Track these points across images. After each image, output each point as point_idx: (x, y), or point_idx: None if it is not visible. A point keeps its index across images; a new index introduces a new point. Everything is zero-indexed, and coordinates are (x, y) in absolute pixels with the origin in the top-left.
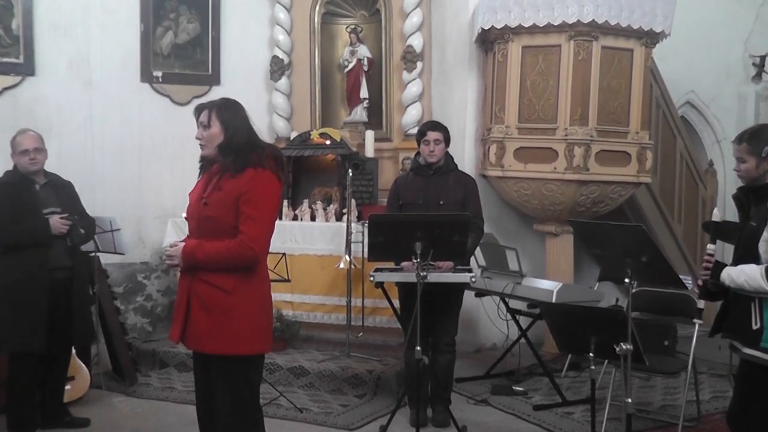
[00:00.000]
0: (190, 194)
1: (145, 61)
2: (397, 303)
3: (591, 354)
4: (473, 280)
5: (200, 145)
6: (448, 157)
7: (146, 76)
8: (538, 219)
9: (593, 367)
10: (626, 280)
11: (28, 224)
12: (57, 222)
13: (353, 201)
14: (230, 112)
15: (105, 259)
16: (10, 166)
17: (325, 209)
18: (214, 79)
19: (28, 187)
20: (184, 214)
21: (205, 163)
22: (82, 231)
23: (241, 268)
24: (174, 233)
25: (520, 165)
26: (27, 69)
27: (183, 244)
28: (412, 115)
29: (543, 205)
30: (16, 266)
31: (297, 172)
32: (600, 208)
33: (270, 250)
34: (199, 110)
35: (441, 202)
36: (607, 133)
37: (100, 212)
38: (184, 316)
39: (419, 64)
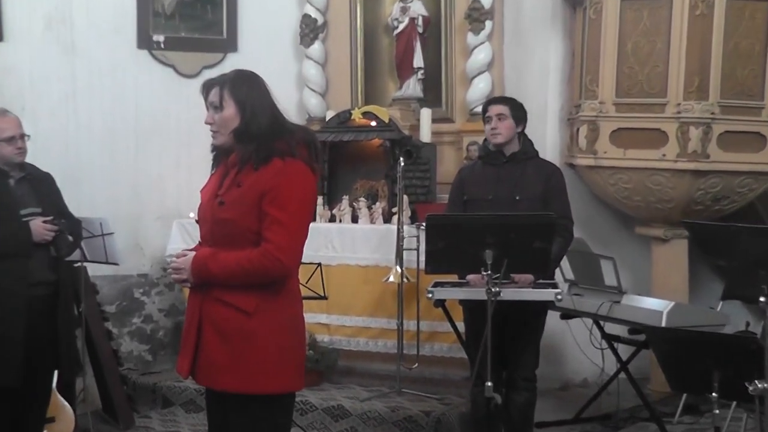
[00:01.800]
0: (201, 192)
1: (142, 21)
2: (461, 326)
3: (714, 394)
4: (559, 298)
5: (211, 131)
6: (527, 142)
7: (144, 41)
8: (641, 220)
9: (717, 411)
10: (761, 299)
11: (3, 230)
12: (40, 227)
13: (405, 198)
14: (247, 87)
15: (93, 270)
16: None
17: (369, 208)
18: (230, 45)
19: (1, 182)
20: (194, 215)
21: (219, 153)
22: (70, 237)
23: (266, 283)
24: (180, 238)
25: (618, 151)
26: None
27: (193, 253)
28: (480, 88)
29: (648, 203)
30: None
31: (334, 162)
32: (724, 206)
33: (302, 260)
34: (207, 87)
35: (517, 198)
36: (733, 110)
37: (86, 212)
38: (195, 344)
39: (488, 24)
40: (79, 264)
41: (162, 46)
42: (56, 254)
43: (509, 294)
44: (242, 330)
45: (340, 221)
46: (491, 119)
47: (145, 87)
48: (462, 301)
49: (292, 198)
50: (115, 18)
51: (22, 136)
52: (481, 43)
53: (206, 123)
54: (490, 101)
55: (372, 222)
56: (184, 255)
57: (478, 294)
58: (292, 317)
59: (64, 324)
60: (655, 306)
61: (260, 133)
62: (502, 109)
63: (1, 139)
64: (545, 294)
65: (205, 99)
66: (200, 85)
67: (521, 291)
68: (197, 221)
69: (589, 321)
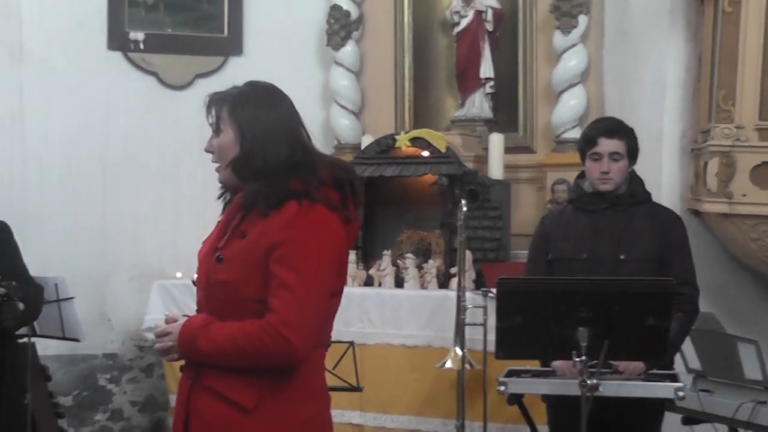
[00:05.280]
0: (203, 243)
1: (115, 14)
2: (545, 431)
3: None
4: (680, 395)
5: (214, 163)
6: (635, 181)
7: (117, 41)
8: None
9: None
10: None
11: None
12: None
13: (469, 255)
14: (253, 106)
15: (44, 348)
16: None
17: (419, 268)
18: (233, 46)
19: None
20: (181, 275)
21: (229, 193)
22: (21, 305)
23: (270, 369)
24: (162, 306)
25: (762, 194)
26: None
27: (184, 319)
28: (570, 107)
29: None
30: None
31: (372, 206)
32: None
33: (330, 339)
34: (210, 104)
35: (622, 258)
36: None
37: (38, 270)
38: None
39: (583, 21)
40: (24, 340)
41: (141, 46)
42: None
43: (611, 389)
44: None
45: (380, 285)
46: (601, 158)
47: (117, 102)
48: (545, 397)
49: (307, 255)
50: (78, 10)
51: None
52: (573, 46)
53: (206, 151)
54: (601, 130)
55: (422, 287)
56: (174, 319)
57: (568, 388)
58: (309, 420)
59: (9, 420)
60: None
61: (265, 168)
62: (618, 146)
63: None
64: (661, 389)
65: (207, 119)
66: (195, 96)
67: (628, 385)
68: (195, 283)
69: (724, 428)
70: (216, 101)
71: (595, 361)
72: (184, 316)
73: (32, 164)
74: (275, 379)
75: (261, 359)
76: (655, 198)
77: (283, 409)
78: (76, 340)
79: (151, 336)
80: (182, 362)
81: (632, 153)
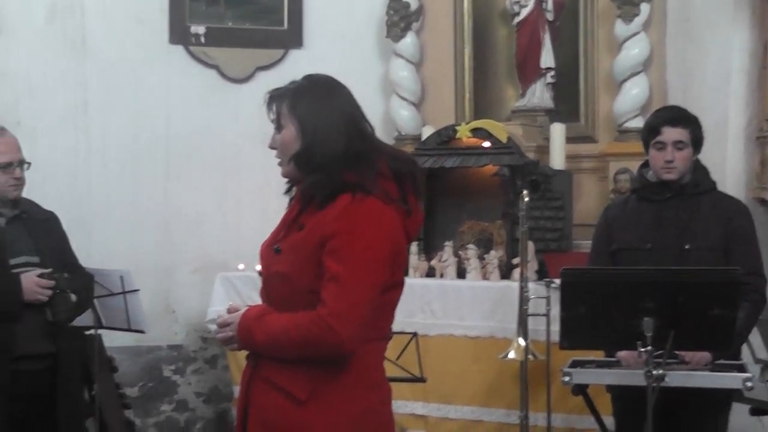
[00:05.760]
0: (269, 236)
1: (176, 8)
2: (609, 422)
3: None
4: (749, 385)
5: (277, 158)
6: (700, 170)
7: (179, 34)
8: None
9: None
10: None
11: None
12: (32, 282)
13: (531, 245)
14: (312, 100)
15: (110, 340)
16: None
17: (481, 259)
18: (293, 39)
19: None
20: (243, 267)
21: (295, 187)
22: (74, 297)
23: (321, 360)
24: (226, 298)
25: None
26: None
27: (245, 309)
28: (632, 96)
29: None
30: None
31: (433, 197)
32: None
33: (393, 330)
34: (270, 101)
35: (687, 248)
36: None
37: (101, 262)
38: None
39: (645, 8)
40: (92, 332)
41: (202, 40)
42: (53, 319)
43: (677, 379)
44: (291, 425)
45: (441, 276)
46: (665, 147)
47: (179, 95)
48: (610, 388)
49: (357, 247)
50: (140, 4)
51: (21, 162)
52: (635, 34)
53: (269, 148)
54: (665, 119)
55: (485, 277)
56: (236, 309)
57: (633, 378)
58: (365, 412)
59: (67, 411)
60: None
61: (325, 161)
62: (681, 134)
63: None
64: (729, 380)
65: (268, 115)
66: (255, 89)
67: (694, 375)
68: (261, 274)
69: None
70: (276, 98)
71: (660, 352)
72: (247, 306)
73: (96, 157)
74: (328, 370)
75: (310, 350)
76: (720, 187)
77: (336, 401)
78: (141, 331)
79: (214, 327)
80: (245, 352)
81: (696, 141)
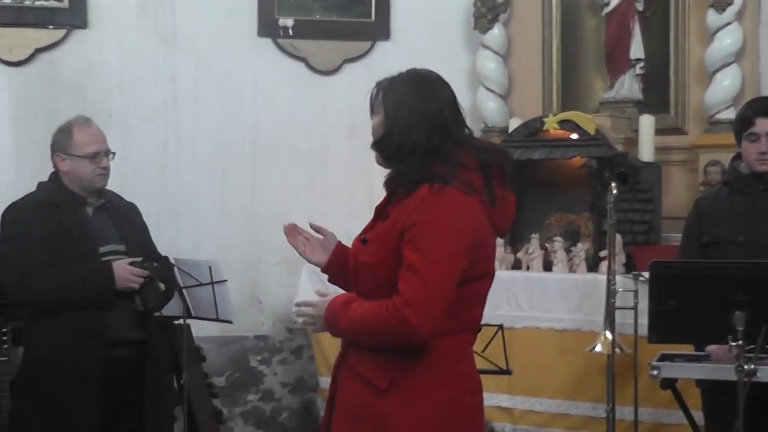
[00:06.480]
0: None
1: (265, 2)
2: (699, 417)
3: None
4: None
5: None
6: None
7: (267, 27)
8: None
9: None
10: None
11: (77, 271)
12: (125, 271)
13: (619, 238)
14: (401, 91)
15: (197, 329)
16: (40, 176)
17: (568, 251)
18: (380, 31)
19: (77, 211)
20: None
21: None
22: (162, 286)
23: (398, 349)
24: (311, 288)
25: None
26: (73, 18)
27: (334, 295)
28: (724, 87)
29: None
30: (52, 340)
31: (520, 189)
32: None
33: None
34: (374, 89)
35: None
36: None
37: (189, 253)
38: (326, 428)
39: None
40: (180, 322)
41: (290, 32)
42: (143, 307)
43: None
44: (371, 414)
45: (528, 268)
46: (759, 139)
47: (267, 87)
48: (699, 382)
49: (434, 238)
50: None
51: (108, 153)
52: (727, 24)
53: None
54: (759, 110)
55: (571, 270)
56: (325, 295)
57: (724, 373)
58: (447, 403)
59: (153, 397)
60: None
61: (400, 151)
62: None
63: (82, 156)
64: None
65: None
66: (349, 85)
67: None
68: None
69: None
70: (378, 84)
71: (752, 346)
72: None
73: (185, 149)
74: (408, 360)
75: (386, 339)
76: None
77: (417, 390)
78: (229, 321)
79: (304, 300)
80: (331, 343)
81: None
